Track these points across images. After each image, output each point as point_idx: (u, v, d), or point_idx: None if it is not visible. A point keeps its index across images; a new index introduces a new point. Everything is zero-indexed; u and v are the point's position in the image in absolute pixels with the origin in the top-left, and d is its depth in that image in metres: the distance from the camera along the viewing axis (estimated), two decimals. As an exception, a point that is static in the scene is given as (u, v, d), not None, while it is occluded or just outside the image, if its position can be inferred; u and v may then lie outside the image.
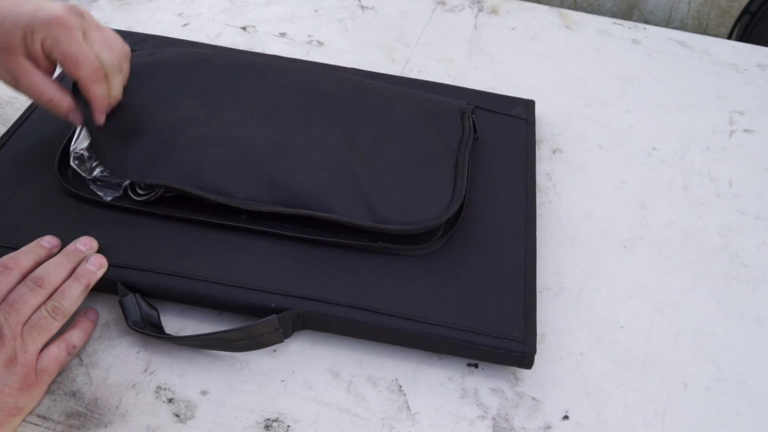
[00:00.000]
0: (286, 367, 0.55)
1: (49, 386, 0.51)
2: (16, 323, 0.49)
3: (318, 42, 0.87)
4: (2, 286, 0.50)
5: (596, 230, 0.68)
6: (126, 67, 0.60)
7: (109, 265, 0.55)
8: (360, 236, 0.59)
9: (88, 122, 0.59)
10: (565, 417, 0.54)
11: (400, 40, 0.90)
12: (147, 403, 0.51)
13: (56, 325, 0.51)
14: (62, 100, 0.57)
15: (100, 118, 0.59)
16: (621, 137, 0.79)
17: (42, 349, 0.50)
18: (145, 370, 0.53)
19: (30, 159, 0.63)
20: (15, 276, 0.51)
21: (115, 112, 0.61)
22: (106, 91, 0.58)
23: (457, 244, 0.60)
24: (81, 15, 0.55)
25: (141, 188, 0.60)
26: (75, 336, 0.52)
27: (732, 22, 1.80)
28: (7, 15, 0.53)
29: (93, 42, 0.56)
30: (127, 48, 0.60)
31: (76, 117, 0.58)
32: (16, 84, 0.56)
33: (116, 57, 0.58)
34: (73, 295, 0.52)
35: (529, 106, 0.77)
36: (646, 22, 1.92)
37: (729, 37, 1.69)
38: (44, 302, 0.51)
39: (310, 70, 0.73)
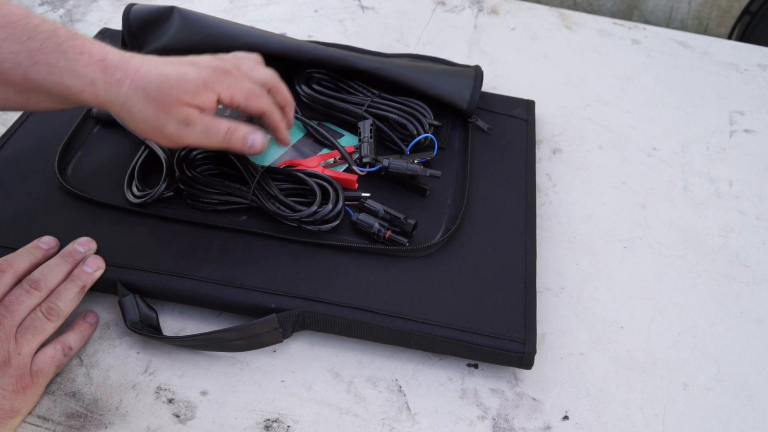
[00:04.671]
0: (286, 368, 0.55)
1: (49, 387, 0.51)
2: (11, 325, 0.49)
3: (318, 42, 0.87)
4: None
5: (596, 230, 0.68)
6: None
7: (108, 265, 0.55)
8: (360, 237, 0.60)
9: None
10: (565, 417, 0.54)
11: (400, 40, 0.90)
12: (147, 404, 0.51)
13: (51, 327, 0.51)
14: (238, 126, 0.55)
15: (287, 138, 0.61)
16: (621, 137, 0.79)
17: (37, 351, 0.50)
18: (145, 371, 0.53)
19: (30, 159, 0.63)
20: (9, 278, 0.51)
21: None
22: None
23: (457, 244, 0.60)
24: (229, 59, 0.57)
25: (138, 188, 0.60)
26: (71, 338, 0.52)
27: (732, 22, 1.80)
28: (169, 72, 0.52)
29: (248, 76, 0.57)
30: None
31: (257, 141, 0.56)
32: (187, 129, 0.52)
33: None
34: (69, 296, 0.52)
35: (529, 106, 0.77)
36: (646, 22, 1.92)
37: (729, 37, 1.69)
38: (40, 304, 0.51)
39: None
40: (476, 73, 0.73)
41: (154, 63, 0.53)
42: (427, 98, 0.70)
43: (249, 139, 0.55)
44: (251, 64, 0.58)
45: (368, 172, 0.64)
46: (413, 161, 0.64)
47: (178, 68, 0.53)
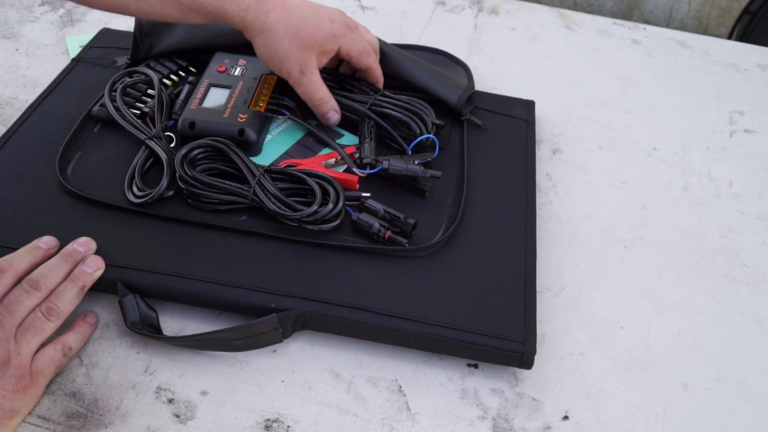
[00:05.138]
0: (286, 368, 0.55)
1: (49, 387, 0.51)
2: (10, 326, 0.49)
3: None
4: None
5: (596, 230, 0.68)
6: None
7: (108, 265, 0.55)
8: (360, 237, 0.60)
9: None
10: (565, 417, 0.54)
11: (400, 40, 0.90)
12: (147, 404, 0.51)
13: (51, 327, 0.51)
14: (331, 99, 0.66)
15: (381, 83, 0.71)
16: (621, 137, 0.79)
17: (37, 351, 0.50)
18: (146, 371, 0.53)
19: (30, 159, 0.63)
20: (9, 278, 0.51)
21: None
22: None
23: (457, 244, 0.61)
24: (352, 19, 0.68)
25: (139, 188, 0.60)
26: (71, 338, 0.52)
27: (732, 22, 1.80)
28: (308, 17, 0.62)
29: (364, 36, 0.68)
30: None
31: (333, 117, 0.67)
32: (299, 75, 0.63)
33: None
34: (69, 296, 0.52)
35: (529, 106, 0.77)
36: (646, 22, 1.92)
37: (729, 37, 1.69)
38: (40, 304, 0.51)
39: None
40: (468, 85, 0.76)
41: (296, 1, 0.62)
42: (419, 90, 0.73)
43: (331, 113, 0.66)
44: (364, 28, 0.70)
45: (368, 174, 0.64)
46: (413, 162, 0.64)
47: (315, 14, 0.62)
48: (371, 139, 0.66)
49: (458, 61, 0.81)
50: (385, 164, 0.63)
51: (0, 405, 0.47)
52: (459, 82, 0.76)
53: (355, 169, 0.64)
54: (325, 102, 0.65)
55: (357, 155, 0.66)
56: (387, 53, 0.72)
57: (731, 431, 0.54)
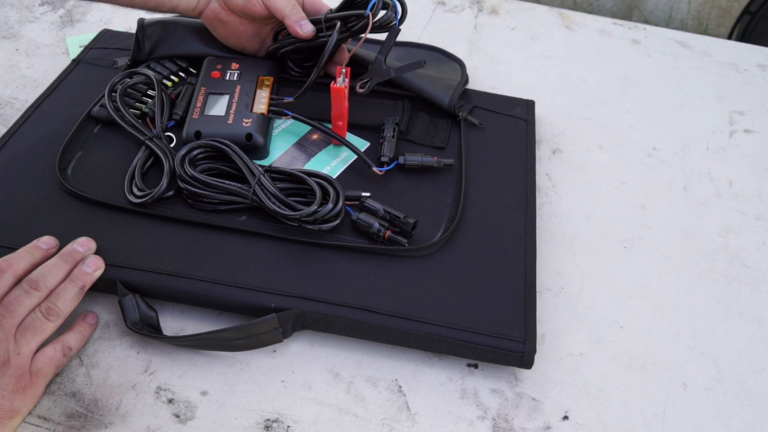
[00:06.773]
0: (286, 368, 0.55)
1: (49, 387, 0.51)
2: (10, 326, 0.49)
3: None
4: None
5: (596, 230, 0.68)
6: None
7: (108, 265, 0.55)
8: (360, 237, 0.60)
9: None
10: (565, 417, 0.54)
11: (400, 39, 0.90)
12: (147, 404, 0.51)
13: (50, 327, 0.51)
14: (301, 11, 0.66)
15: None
16: (621, 137, 0.79)
17: (37, 351, 0.50)
18: (145, 371, 0.53)
19: (30, 159, 0.63)
20: (9, 278, 0.51)
21: None
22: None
23: (457, 245, 0.61)
24: None
25: (139, 188, 0.60)
26: (71, 338, 0.52)
27: (732, 22, 1.80)
28: None
29: None
30: None
31: (307, 26, 0.66)
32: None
33: None
34: (68, 296, 0.52)
35: (529, 106, 0.77)
36: (646, 22, 1.92)
37: (729, 37, 1.69)
38: (39, 304, 0.51)
39: None
40: (460, 81, 0.77)
41: None
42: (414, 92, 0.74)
43: (303, 21, 0.66)
44: None
45: (385, 171, 0.65)
46: (425, 154, 0.66)
47: None
48: (393, 136, 0.67)
49: (453, 57, 0.82)
50: (401, 160, 0.65)
51: (0, 405, 0.47)
52: (450, 81, 0.76)
53: (374, 168, 0.65)
54: (298, 10, 0.66)
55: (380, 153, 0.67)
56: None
57: (731, 431, 0.54)
